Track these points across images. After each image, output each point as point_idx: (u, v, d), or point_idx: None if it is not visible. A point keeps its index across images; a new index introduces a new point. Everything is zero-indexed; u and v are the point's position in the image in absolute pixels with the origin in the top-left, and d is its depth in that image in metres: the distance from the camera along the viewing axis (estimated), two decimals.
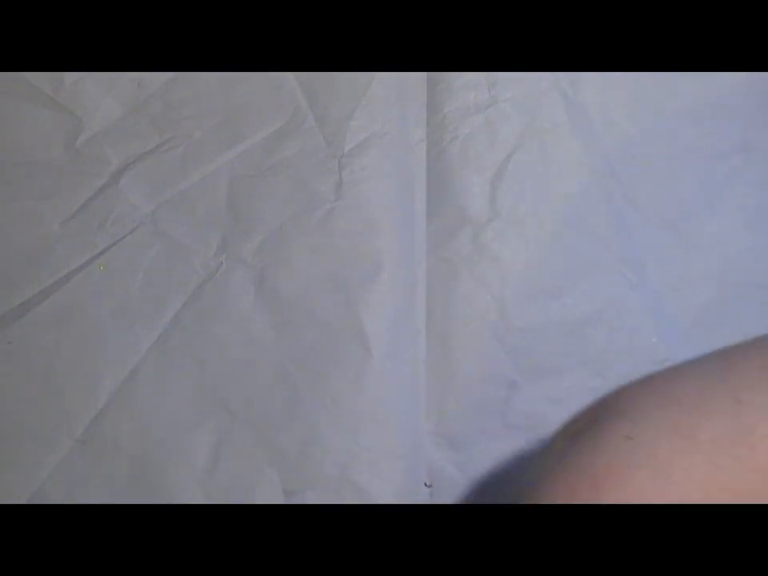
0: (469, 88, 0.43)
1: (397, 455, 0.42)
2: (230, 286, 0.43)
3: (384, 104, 0.43)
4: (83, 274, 0.42)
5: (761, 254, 0.42)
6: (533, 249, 0.43)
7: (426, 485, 0.42)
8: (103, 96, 0.43)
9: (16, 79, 0.42)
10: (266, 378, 0.43)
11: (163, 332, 0.42)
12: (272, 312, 0.43)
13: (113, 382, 0.42)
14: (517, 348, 0.42)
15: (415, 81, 0.44)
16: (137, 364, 0.42)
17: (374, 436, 0.42)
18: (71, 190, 0.43)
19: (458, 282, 0.43)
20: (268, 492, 0.42)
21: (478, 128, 0.43)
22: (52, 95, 0.43)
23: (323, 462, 0.42)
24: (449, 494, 0.42)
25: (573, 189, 0.43)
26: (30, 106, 0.43)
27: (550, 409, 0.42)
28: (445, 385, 0.43)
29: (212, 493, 0.42)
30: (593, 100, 0.43)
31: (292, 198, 0.43)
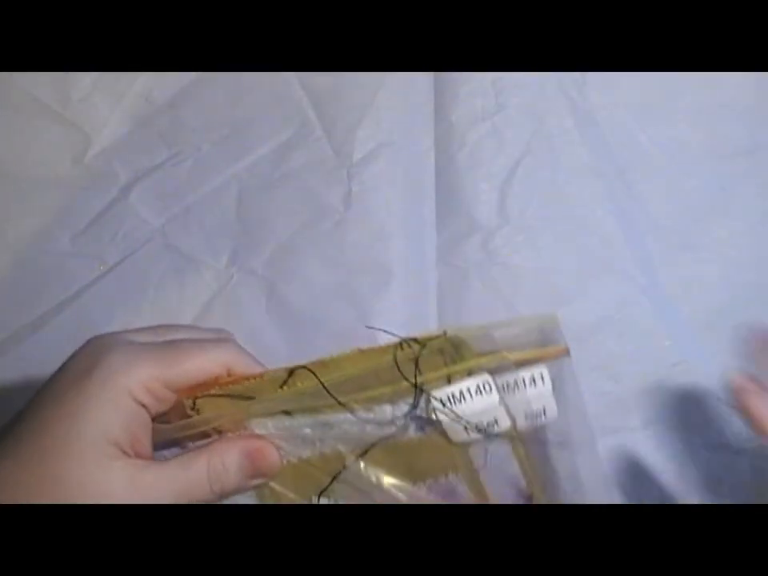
0: (475, 95, 0.43)
1: None
2: (241, 297, 0.43)
3: (391, 113, 0.43)
4: (94, 288, 0.42)
5: None
6: (543, 254, 0.42)
7: None
8: (111, 111, 0.43)
9: (24, 96, 0.42)
10: None
11: None
12: (283, 322, 0.42)
13: None
14: None
15: (422, 89, 0.44)
16: None
17: None
18: (81, 205, 0.43)
19: (468, 289, 0.42)
20: None
21: (486, 135, 0.43)
22: (60, 111, 0.43)
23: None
24: None
25: (581, 193, 0.43)
26: (38, 122, 0.43)
27: None
28: None
29: None
30: (599, 104, 0.43)
31: (301, 209, 0.43)
